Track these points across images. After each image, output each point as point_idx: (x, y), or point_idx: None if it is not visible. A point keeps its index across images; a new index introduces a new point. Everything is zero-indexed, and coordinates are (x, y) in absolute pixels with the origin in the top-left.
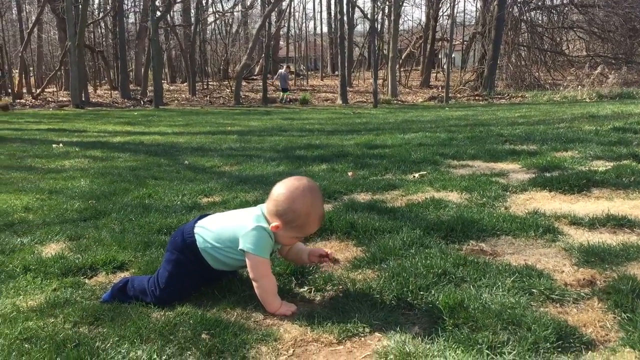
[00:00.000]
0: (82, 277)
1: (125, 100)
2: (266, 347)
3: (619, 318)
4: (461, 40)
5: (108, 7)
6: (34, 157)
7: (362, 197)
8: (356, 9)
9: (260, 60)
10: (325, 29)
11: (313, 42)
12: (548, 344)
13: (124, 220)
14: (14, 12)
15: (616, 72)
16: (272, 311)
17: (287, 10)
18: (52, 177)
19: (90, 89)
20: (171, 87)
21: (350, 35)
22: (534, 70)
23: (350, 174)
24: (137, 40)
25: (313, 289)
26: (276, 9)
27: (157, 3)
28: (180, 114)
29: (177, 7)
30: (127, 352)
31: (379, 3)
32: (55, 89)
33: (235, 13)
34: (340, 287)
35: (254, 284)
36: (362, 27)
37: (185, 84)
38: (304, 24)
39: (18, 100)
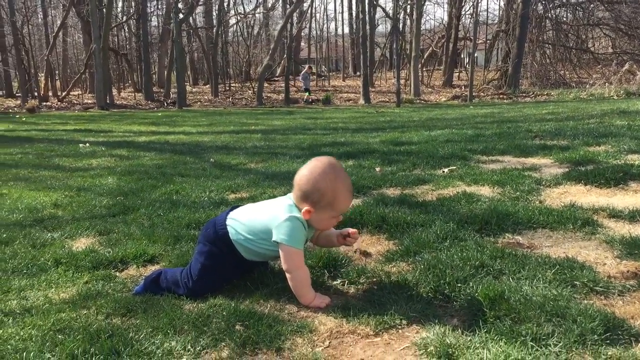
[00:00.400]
0: (113, 270)
1: (149, 102)
2: (301, 339)
3: None
4: (484, 39)
5: (131, 11)
6: (61, 157)
7: (392, 191)
8: (378, 8)
9: (282, 62)
10: (346, 30)
11: (334, 43)
12: (595, 335)
13: (153, 216)
14: (39, 16)
15: None
16: (305, 303)
17: (309, 11)
18: (79, 175)
19: (115, 91)
20: (194, 89)
21: (372, 35)
22: (559, 68)
23: (377, 169)
24: (160, 43)
25: (346, 282)
26: (297, 10)
27: (179, 6)
28: (204, 115)
29: (200, 9)
30: (160, 343)
31: (400, 2)
32: (80, 92)
33: (256, 15)
34: (374, 279)
35: (288, 275)
36: (383, 27)
37: (207, 85)
38: (325, 25)
39: (44, 103)
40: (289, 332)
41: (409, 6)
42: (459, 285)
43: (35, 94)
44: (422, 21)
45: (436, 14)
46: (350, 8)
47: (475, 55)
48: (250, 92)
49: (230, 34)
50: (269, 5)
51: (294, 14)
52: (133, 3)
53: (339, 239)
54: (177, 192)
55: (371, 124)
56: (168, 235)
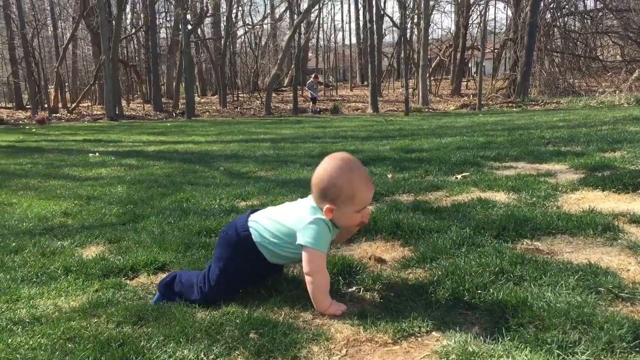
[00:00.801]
0: (123, 278)
1: (158, 112)
2: (318, 347)
3: None
4: (492, 48)
5: (140, 23)
6: (71, 166)
7: (405, 198)
8: (385, 18)
9: (290, 72)
10: (354, 40)
11: (342, 53)
12: (624, 343)
13: (163, 223)
14: (49, 29)
15: None
16: (321, 310)
17: (316, 22)
18: (89, 184)
19: (124, 102)
20: (202, 100)
21: (380, 45)
22: (568, 76)
23: (389, 176)
24: (169, 55)
25: (362, 289)
26: (305, 21)
27: (188, 17)
28: (212, 124)
29: (208, 20)
30: (173, 352)
31: (408, 12)
32: (89, 103)
33: (264, 26)
34: (391, 286)
35: (307, 278)
36: (390, 37)
37: (215, 96)
38: (332, 35)
39: (54, 115)
40: (304, 341)
41: (416, 16)
42: (479, 291)
43: (45, 105)
44: (430, 30)
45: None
46: (357, 18)
47: (483, 64)
48: (258, 102)
49: (238, 44)
50: (277, 16)
51: (302, 25)
52: (142, 15)
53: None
54: (187, 200)
55: (380, 132)
56: (179, 242)
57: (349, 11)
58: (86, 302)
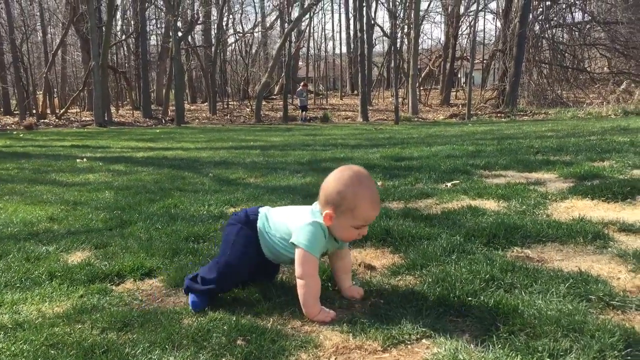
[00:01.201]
0: (109, 284)
1: (147, 119)
2: (306, 354)
3: None
4: (481, 59)
5: (131, 29)
6: (58, 172)
7: (395, 205)
8: (375, 28)
9: (280, 80)
10: (344, 49)
11: (332, 62)
12: (616, 351)
13: (151, 229)
14: (39, 34)
15: None
16: (310, 316)
17: (307, 31)
18: (76, 190)
19: (113, 109)
20: (192, 107)
21: (370, 54)
22: (556, 87)
23: (379, 183)
24: (159, 62)
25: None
26: (295, 29)
27: (179, 24)
28: (202, 131)
29: (198, 28)
30: (158, 359)
31: (398, 21)
32: (78, 110)
33: (255, 34)
34: (380, 293)
35: (298, 282)
36: (381, 47)
37: (205, 103)
38: (323, 44)
39: (42, 120)
40: (293, 348)
41: (406, 26)
42: (470, 299)
43: (34, 111)
44: (420, 40)
45: (433, 33)
46: (348, 28)
47: (473, 74)
48: (248, 110)
49: (228, 52)
50: (268, 24)
51: (292, 33)
52: (132, 22)
53: (348, 291)
54: (176, 205)
55: (370, 140)
56: (166, 248)
57: (340, 20)
58: (70, 308)
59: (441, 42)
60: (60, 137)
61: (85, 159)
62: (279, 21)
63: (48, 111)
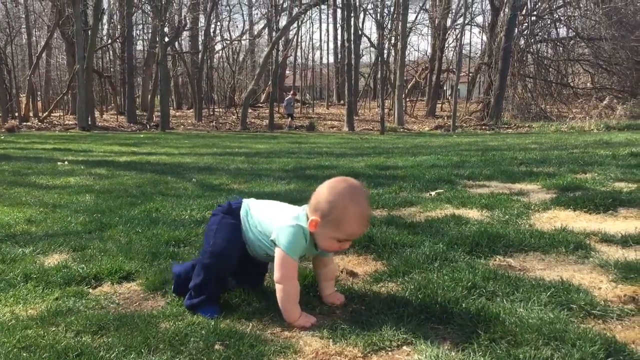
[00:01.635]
0: (85, 287)
1: (132, 124)
2: None
3: None
4: (467, 72)
5: (117, 34)
6: (38, 174)
7: (379, 212)
8: (363, 38)
9: (267, 88)
10: (331, 59)
11: (319, 72)
12: None
13: (131, 232)
14: (23, 37)
15: (623, 104)
16: (290, 321)
17: (294, 40)
18: (56, 192)
19: (97, 113)
20: (177, 113)
21: (357, 64)
22: (540, 101)
23: None
24: (145, 67)
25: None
26: (283, 38)
27: (165, 30)
28: (187, 137)
29: (186, 34)
30: None
31: (386, 32)
32: (62, 113)
33: (242, 41)
34: (362, 299)
35: (277, 286)
36: (368, 57)
37: (191, 110)
38: (310, 54)
39: (25, 123)
40: (271, 353)
41: (393, 37)
42: (451, 306)
43: (16, 114)
44: (407, 52)
45: (420, 45)
46: (335, 38)
47: (458, 87)
48: (234, 117)
49: (215, 59)
50: (255, 32)
51: (280, 42)
52: (119, 26)
53: (329, 297)
54: (157, 210)
55: (355, 150)
56: (146, 251)
57: (327, 30)
58: (45, 310)
59: (428, 54)
60: (42, 140)
61: (66, 162)
62: (266, 29)
63: (31, 114)
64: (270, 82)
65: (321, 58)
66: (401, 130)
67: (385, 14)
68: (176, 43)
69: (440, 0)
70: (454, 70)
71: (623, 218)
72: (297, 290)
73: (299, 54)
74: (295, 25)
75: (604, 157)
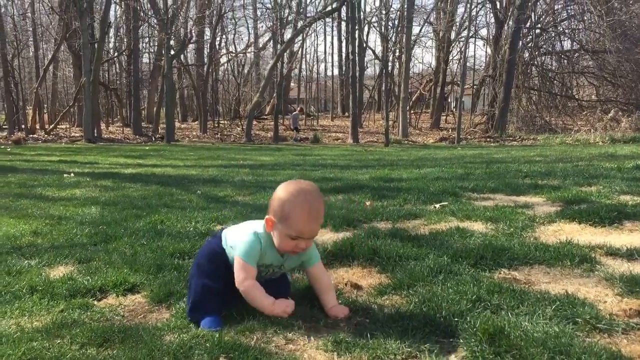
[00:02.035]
0: (91, 299)
1: (137, 136)
2: None
3: None
4: (471, 84)
5: (123, 47)
6: (44, 186)
7: (383, 225)
8: (367, 51)
9: (272, 100)
10: (336, 72)
11: (324, 84)
12: None
13: (136, 244)
14: (30, 50)
15: (628, 117)
16: (267, 311)
17: (299, 52)
18: (62, 204)
19: (103, 125)
20: (182, 125)
21: (361, 77)
22: (544, 114)
23: (368, 203)
24: (151, 79)
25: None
26: (288, 51)
27: (171, 43)
28: (192, 149)
29: (191, 47)
30: None
31: (390, 45)
32: (68, 125)
33: (247, 54)
34: (366, 312)
35: (241, 291)
36: (372, 70)
37: (196, 122)
38: (315, 66)
39: (31, 135)
40: None
41: (398, 50)
42: (456, 319)
43: (23, 126)
44: (411, 64)
45: (424, 58)
46: (340, 50)
47: (463, 99)
48: (239, 129)
49: (220, 72)
50: (260, 45)
51: (285, 54)
52: (125, 39)
53: (332, 310)
54: (162, 222)
55: (360, 162)
56: (151, 263)
57: (332, 43)
58: (50, 323)
59: (432, 66)
60: (49, 152)
61: (72, 174)
62: (271, 42)
63: (37, 126)
64: (275, 95)
65: (326, 70)
66: (406, 142)
67: (389, 27)
68: (182, 56)
69: (444, 13)
70: (459, 82)
71: (628, 231)
72: (254, 287)
73: (303, 66)
74: (300, 38)
75: (609, 169)
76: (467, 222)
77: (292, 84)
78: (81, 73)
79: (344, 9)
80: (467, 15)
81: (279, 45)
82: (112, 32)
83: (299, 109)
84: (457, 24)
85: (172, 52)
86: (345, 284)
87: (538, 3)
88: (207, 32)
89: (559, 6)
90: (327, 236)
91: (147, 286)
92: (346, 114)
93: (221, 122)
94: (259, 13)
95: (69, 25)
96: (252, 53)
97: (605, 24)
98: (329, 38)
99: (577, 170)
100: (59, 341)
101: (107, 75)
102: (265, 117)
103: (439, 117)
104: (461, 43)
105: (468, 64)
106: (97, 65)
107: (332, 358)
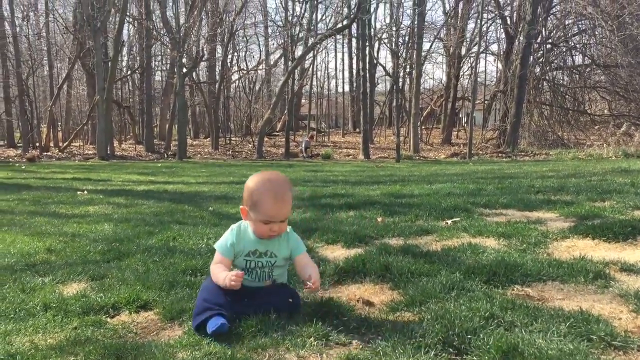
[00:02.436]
0: (104, 316)
1: (150, 153)
2: None
3: None
4: (482, 99)
5: (136, 65)
6: (58, 203)
7: (395, 241)
8: (378, 67)
9: (283, 117)
10: (347, 88)
11: (334, 100)
12: None
13: (148, 261)
14: (45, 69)
15: None
16: (222, 285)
17: (310, 69)
18: (75, 222)
19: (116, 142)
20: (194, 142)
21: (372, 93)
22: (557, 129)
23: (379, 219)
24: (163, 97)
25: (348, 332)
26: (299, 67)
27: (184, 60)
28: (204, 166)
29: (203, 64)
30: None
31: (400, 61)
32: (81, 143)
33: (258, 71)
34: (378, 329)
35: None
36: (383, 86)
37: (208, 139)
38: (325, 83)
39: (45, 153)
40: None
41: (408, 66)
42: (469, 336)
43: (37, 144)
44: (422, 80)
45: (435, 73)
46: (350, 66)
47: (474, 114)
48: (250, 146)
49: (232, 89)
50: (271, 62)
51: (296, 71)
52: (138, 57)
53: (305, 289)
54: (175, 238)
55: (371, 178)
56: (163, 280)
57: (343, 59)
58: (64, 340)
59: (443, 82)
60: (62, 170)
61: (85, 192)
62: (282, 59)
63: (51, 144)
64: (286, 111)
65: (336, 87)
66: (417, 158)
67: (400, 43)
68: (194, 73)
69: (454, 29)
70: (470, 97)
71: None
72: (215, 271)
73: (314, 82)
74: (311, 54)
75: (622, 184)
76: (480, 238)
77: (303, 101)
78: (95, 91)
79: (354, 26)
80: (478, 30)
81: (290, 63)
82: (125, 50)
83: (309, 135)
84: (468, 39)
85: (184, 70)
86: (357, 301)
87: (549, 18)
88: (219, 50)
89: (570, 21)
90: (339, 252)
91: (160, 303)
92: (357, 130)
93: (233, 138)
94: (270, 31)
95: (82, 45)
96: (263, 70)
97: (617, 38)
98: (339, 55)
99: (590, 185)
100: (72, 358)
101: (120, 93)
102: (277, 133)
103: (450, 133)
104: (472, 58)
105: (479, 79)
106: (111, 83)
107: None
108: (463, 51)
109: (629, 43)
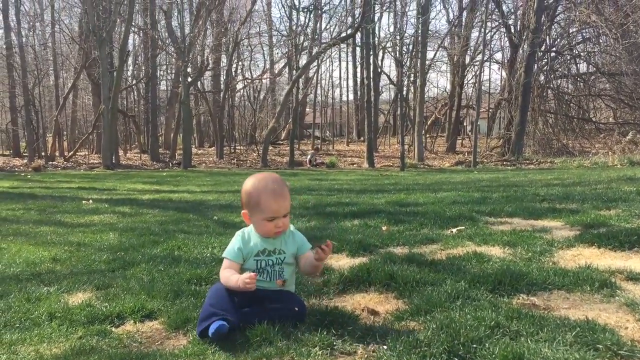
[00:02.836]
0: (109, 326)
1: (155, 162)
2: None
3: None
4: (486, 108)
5: (141, 74)
6: (63, 213)
7: (399, 250)
8: (382, 76)
9: (287, 126)
10: (351, 97)
11: (339, 109)
12: None
13: (153, 271)
14: (51, 79)
15: None
16: (234, 287)
17: (314, 78)
18: (80, 231)
19: (121, 151)
20: (199, 151)
21: (377, 101)
22: (562, 137)
23: (384, 228)
24: (168, 106)
25: (353, 341)
26: (303, 76)
27: (188, 70)
28: (208, 175)
29: (208, 74)
30: None
31: (405, 70)
32: (87, 152)
33: (263, 80)
34: (384, 339)
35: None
36: (387, 94)
37: (212, 148)
38: (330, 91)
39: (51, 162)
40: None
41: (412, 74)
42: (474, 346)
43: (43, 153)
44: (426, 89)
45: (439, 82)
46: (355, 75)
47: (478, 123)
48: (255, 154)
49: (237, 98)
50: (276, 71)
51: (300, 80)
52: (143, 67)
53: (315, 256)
54: (179, 247)
55: (376, 186)
56: (168, 290)
57: (347, 68)
58: (69, 349)
59: (447, 90)
60: (68, 179)
61: (91, 201)
62: (287, 68)
63: (57, 153)
64: (290, 120)
65: (341, 95)
66: (421, 166)
67: (404, 52)
68: (199, 83)
69: (458, 37)
70: (474, 106)
71: None
72: (225, 275)
73: (319, 91)
74: (315, 63)
75: (628, 193)
76: (485, 247)
77: (307, 109)
78: (100, 101)
79: (358, 35)
80: (482, 39)
81: (294, 72)
82: (130, 60)
83: (314, 149)
84: (472, 48)
85: (189, 79)
86: (362, 310)
87: (553, 27)
88: (224, 59)
89: (574, 29)
90: (344, 262)
91: (165, 312)
92: (362, 138)
93: (237, 147)
94: (274, 40)
95: (88, 55)
96: (268, 79)
97: (621, 46)
98: (344, 64)
99: (595, 193)
100: None
101: (125, 103)
102: (281, 142)
103: (454, 141)
104: (476, 67)
105: (483, 87)
106: (116, 93)
107: None
108: (467, 60)
109: (634, 51)
